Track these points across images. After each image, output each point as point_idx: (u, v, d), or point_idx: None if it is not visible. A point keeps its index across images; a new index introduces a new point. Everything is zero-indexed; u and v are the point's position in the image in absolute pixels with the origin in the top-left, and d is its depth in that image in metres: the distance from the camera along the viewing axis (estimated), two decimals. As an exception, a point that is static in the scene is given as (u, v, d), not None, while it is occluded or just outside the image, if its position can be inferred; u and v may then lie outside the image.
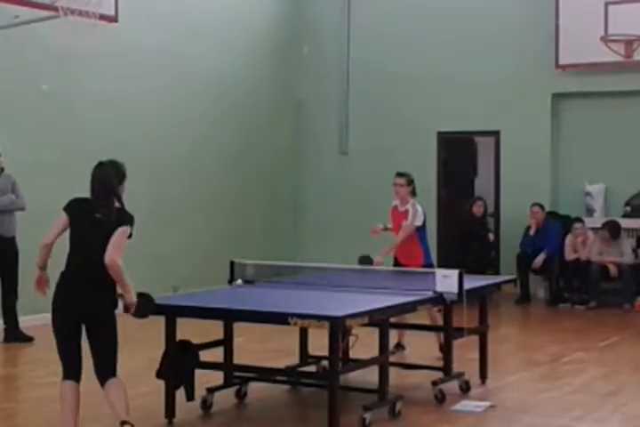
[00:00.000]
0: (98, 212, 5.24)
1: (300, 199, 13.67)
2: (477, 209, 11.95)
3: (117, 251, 5.10)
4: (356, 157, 13.30)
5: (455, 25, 12.67)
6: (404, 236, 7.99)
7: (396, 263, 8.05)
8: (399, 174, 8.24)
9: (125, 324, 5.42)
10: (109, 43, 10.35)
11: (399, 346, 8.13)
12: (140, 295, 5.29)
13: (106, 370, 5.18)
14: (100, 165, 5.33)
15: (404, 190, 8.10)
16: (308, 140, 13.66)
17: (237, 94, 12.56)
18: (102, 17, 8.86)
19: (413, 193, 8.19)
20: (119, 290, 5.20)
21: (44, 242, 5.48)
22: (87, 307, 5.17)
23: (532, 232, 11.79)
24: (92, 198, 5.32)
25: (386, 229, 8.33)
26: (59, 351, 5.25)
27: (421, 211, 8.09)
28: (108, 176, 5.27)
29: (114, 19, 9.32)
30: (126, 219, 5.21)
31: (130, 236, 5.21)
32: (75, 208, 5.39)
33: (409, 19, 12.99)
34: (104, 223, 5.19)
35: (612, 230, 11.28)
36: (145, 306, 5.30)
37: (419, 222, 8.05)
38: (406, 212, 8.08)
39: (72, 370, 5.23)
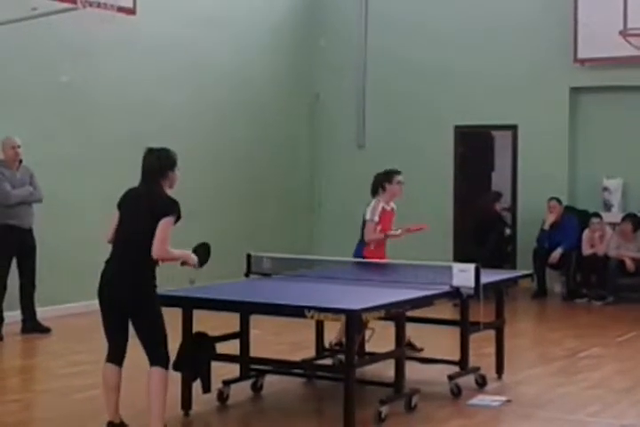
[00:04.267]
0: (142, 198, 5.29)
1: (316, 192, 13.67)
2: (494, 204, 11.93)
3: (163, 244, 5.13)
4: (372, 150, 13.27)
5: (474, 18, 12.62)
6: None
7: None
8: (400, 172, 7.96)
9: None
10: (127, 35, 10.37)
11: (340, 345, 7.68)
12: (195, 251, 5.46)
13: (149, 357, 5.23)
14: (149, 151, 5.37)
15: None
16: (325, 133, 13.65)
17: (254, 87, 12.55)
18: (120, 9, 8.86)
19: None
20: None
21: (107, 240, 5.47)
22: (123, 294, 5.21)
23: (546, 226, 11.74)
24: (139, 185, 5.38)
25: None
26: (104, 333, 5.36)
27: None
28: (153, 162, 5.31)
29: (132, 11, 9.33)
30: (169, 207, 5.21)
31: (177, 220, 5.22)
32: (123, 198, 5.45)
33: (427, 12, 12.94)
34: (145, 209, 5.22)
35: (633, 223, 11.23)
36: (203, 257, 5.48)
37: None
38: (392, 209, 7.91)
39: (113, 354, 5.32)
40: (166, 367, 5.24)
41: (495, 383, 6.91)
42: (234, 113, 12.25)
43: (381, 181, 7.90)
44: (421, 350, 7.58)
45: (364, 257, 7.69)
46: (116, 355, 5.32)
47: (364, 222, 7.76)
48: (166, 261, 5.27)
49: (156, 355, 5.22)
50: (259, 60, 12.63)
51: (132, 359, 5.43)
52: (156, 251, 5.12)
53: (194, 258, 5.42)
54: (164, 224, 5.15)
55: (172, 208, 5.22)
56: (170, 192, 5.38)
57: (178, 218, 5.23)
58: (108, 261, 5.35)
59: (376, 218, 7.70)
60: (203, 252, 5.53)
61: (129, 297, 5.21)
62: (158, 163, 5.31)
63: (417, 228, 8.04)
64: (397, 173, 7.94)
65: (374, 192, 7.91)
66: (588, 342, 8.66)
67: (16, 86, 9.58)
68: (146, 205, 5.25)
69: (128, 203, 5.38)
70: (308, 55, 13.52)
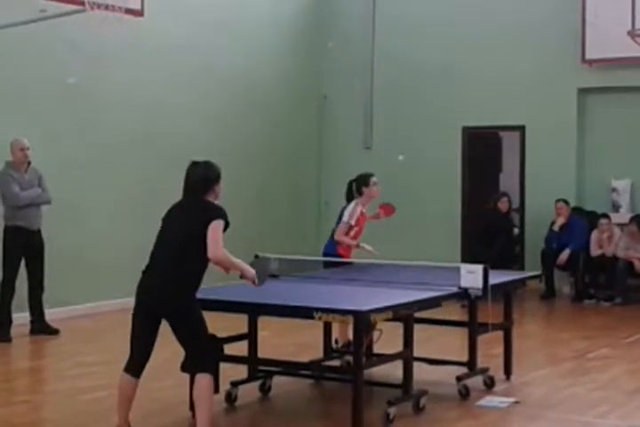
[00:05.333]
0: (187, 208, 5.31)
1: (323, 193, 13.66)
2: (502, 205, 11.88)
3: (216, 245, 5.12)
4: (379, 151, 13.26)
5: (482, 19, 12.61)
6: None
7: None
8: (372, 175, 8.06)
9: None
10: (135, 37, 10.38)
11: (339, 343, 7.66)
12: (253, 265, 5.41)
13: (190, 364, 5.24)
14: (193, 164, 5.40)
15: None
16: (332, 135, 13.65)
17: (261, 88, 12.56)
18: (128, 11, 8.87)
19: None
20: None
21: None
22: (166, 309, 5.19)
23: (555, 228, 11.73)
24: (182, 198, 5.41)
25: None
26: (130, 343, 5.33)
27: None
28: (197, 176, 5.33)
29: (140, 13, 9.32)
30: (217, 212, 5.22)
31: (226, 227, 5.22)
32: (169, 213, 5.47)
33: (434, 13, 12.93)
34: (192, 218, 5.23)
35: (642, 224, 11.23)
36: (261, 275, 5.40)
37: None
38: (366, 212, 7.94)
39: (134, 365, 5.29)
40: (212, 374, 5.24)
41: (503, 384, 6.90)
42: (242, 114, 12.26)
43: (359, 186, 8.00)
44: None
45: (338, 255, 7.74)
46: (136, 367, 5.30)
47: (339, 221, 7.85)
48: (223, 265, 5.24)
49: (202, 362, 5.22)
50: (266, 62, 12.64)
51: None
52: (212, 251, 5.09)
53: (252, 272, 5.35)
54: (215, 226, 5.14)
55: (220, 213, 5.22)
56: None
57: (227, 224, 5.22)
58: (145, 272, 5.32)
59: (353, 221, 7.80)
60: (261, 270, 5.44)
61: (171, 311, 5.18)
62: (203, 177, 5.34)
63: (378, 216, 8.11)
64: (371, 175, 8.06)
65: (350, 198, 8.00)
66: (596, 344, 8.63)
67: (24, 88, 9.60)
68: (192, 213, 5.26)
69: (173, 215, 5.39)
70: (316, 57, 13.52)
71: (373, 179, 8.01)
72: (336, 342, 7.50)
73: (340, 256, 7.77)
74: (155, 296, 5.20)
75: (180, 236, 5.22)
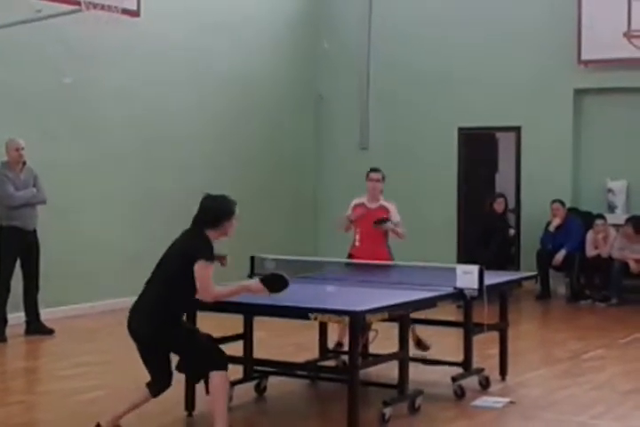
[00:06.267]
0: (178, 243, 5.29)
1: (319, 194, 13.67)
2: (498, 205, 11.88)
3: (206, 289, 5.11)
4: (376, 152, 13.26)
5: (477, 19, 12.61)
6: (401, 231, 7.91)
7: None
8: (375, 170, 8.06)
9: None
10: (132, 37, 10.38)
11: (340, 345, 7.62)
12: (264, 281, 5.33)
13: (205, 368, 5.22)
14: (206, 198, 5.37)
15: (380, 186, 7.98)
16: (329, 136, 13.65)
17: (258, 89, 12.56)
18: (125, 11, 8.88)
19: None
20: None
21: None
22: (146, 338, 5.21)
23: (551, 228, 11.74)
24: (185, 231, 5.38)
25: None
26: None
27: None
28: (208, 212, 5.30)
29: (136, 13, 9.34)
30: (198, 252, 5.13)
31: (212, 261, 5.17)
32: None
33: (430, 14, 12.93)
34: (174, 259, 5.23)
35: (636, 225, 11.22)
36: (274, 287, 5.32)
37: (399, 220, 7.91)
38: (382, 208, 7.93)
39: (153, 385, 5.31)
40: (224, 369, 5.23)
41: (499, 385, 6.90)
42: (238, 115, 12.25)
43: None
44: (429, 348, 7.59)
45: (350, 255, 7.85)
46: (154, 386, 5.32)
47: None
48: (224, 298, 5.26)
49: (209, 363, 5.23)
50: (262, 63, 12.63)
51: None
52: (204, 296, 5.13)
53: (257, 287, 5.29)
54: (200, 269, 5.10)
55: (203, 252, 5.14)
56: (223, 239, 5.35)
57: (210, 259, 5.17)
58: (134, 305, 5.31)
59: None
60: (275, 280, 5.37)
61: (158, 344, 5.21)
62: (212, 214, 5.29)
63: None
64: (371, 170, 8.13)
65: None
66: (591, 344, 8.64)
67: (20, 88, 9.59)
68: (180, 248, 5.25)
69: (171, 246, 5.36)
70: (312, 58, 13.52)
71: (370, 174, 8.05)
72: (339, 344, 7.55)
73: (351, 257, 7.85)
74: (141, 333, 5.21)
75: (165, 273, 5.23)
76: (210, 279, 5.13)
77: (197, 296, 5.16)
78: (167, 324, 5.20)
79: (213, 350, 5.33)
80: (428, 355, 7.36)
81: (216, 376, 5.19)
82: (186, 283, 5.16)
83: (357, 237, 7.97)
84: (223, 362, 5.28)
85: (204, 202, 5.37)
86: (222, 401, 5.20)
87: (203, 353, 5.26)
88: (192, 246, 5.20)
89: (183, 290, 5.20)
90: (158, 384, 5.31)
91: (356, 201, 8.05)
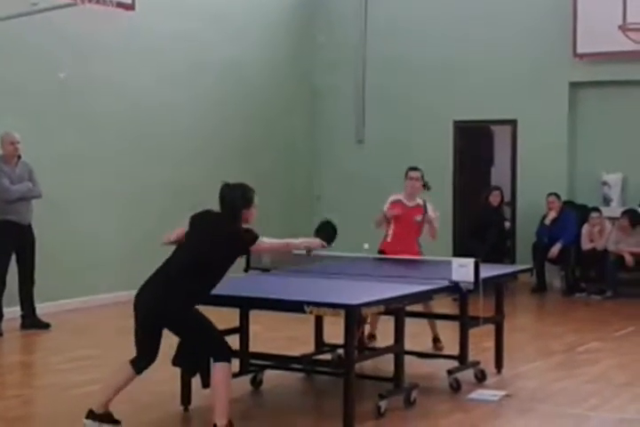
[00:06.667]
0: (214, 232, 5.31)
1: (315, 188, 13.67)
2: (494, 198, 11.88)
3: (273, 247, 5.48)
4: (371, 145, 13.27)
5: (472, 12, 12.60)
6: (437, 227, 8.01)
7: None
8: (414, 169, 8.07)
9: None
10: (126, 30, 10.36)
11: (371, 337, 7.86)
12: (319, 233, 5.66)
13: (211, 357, 5.22)
14: (225, 187, 5.41)
15: (419, 185, 7.99)
16: (324, 129, 13.65)
17: (253, 83, 12.54)
18: (119, 5, 8.87)
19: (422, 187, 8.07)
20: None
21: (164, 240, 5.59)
22: (162, 320, 5.20)
23: (546, 221, 11.75)
24: (219, 213, 5.42)
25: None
26: (135, 344, 5.34)
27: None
28: (227, 201, 5.37)
29: (131, 6, 9.32)
30: (247, 241, 5.32)
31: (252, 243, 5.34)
32: (197, 219, 5.45)
33: (425, 7, 12.92)
34: (213, 248, 5.25)
35: (632, 218, 11.24)
36: (328, 237, 5.60)
37: (435, 217, 7.99)
38: (418, 206, 7.97)
39: (138, 362, 5.30)
40: (228, 361, 5.23)
41: (494, 378, 6.92)
42: (233, 108, 12.24)
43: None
44: (442, 349, 7.66)
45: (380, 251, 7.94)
46: (141, 364, 5.31)
47: None
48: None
49: (214, 352, 5.22)
50: (258, 57, 12.62)
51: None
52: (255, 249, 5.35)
53: (313, 241, 5.59)
54: (261, 249, 5.46)
55: (251, 239, 5.34)
56: (245, 226, 5.42)
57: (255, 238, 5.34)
58: (150, 280, 5.29)
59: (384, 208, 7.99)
60: (328, 230, 5.66)
61: (160, 320, 5.20)
62: (231, 202, 5.36)
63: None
64: (410, 169, 8.13)
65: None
66: (587, 337, 8.66)
67: (15, 82, 9.56)
68: (222, 241, 5.27)
69: (201, 231, 5.36)
70: (308, 51, 13.51)
71: (410, 172, 8.07)
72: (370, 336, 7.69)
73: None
74: (153, 308, 5.19)
75: (199, 257, 5.23)
76: (269, 241, 5.45)
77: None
78: (185, 305, 5.19)
79: (222, 340, 5.33)
80: (424, 348, 7.37)
81: (222, 367, 5.19)
82: (217, 272, 5.25)
83: (390, 232, 8.00)
84: (229, 354, 5.28)
85: (222, 191, 5.40)
86: (224, 394, 5.19)
87: (212, 341, 5.26)
88: (234, 239, 5.28)
89: (212, 278, 5.26)
90: (144, 360, 5.30)
91: (393, 197, 8.03)
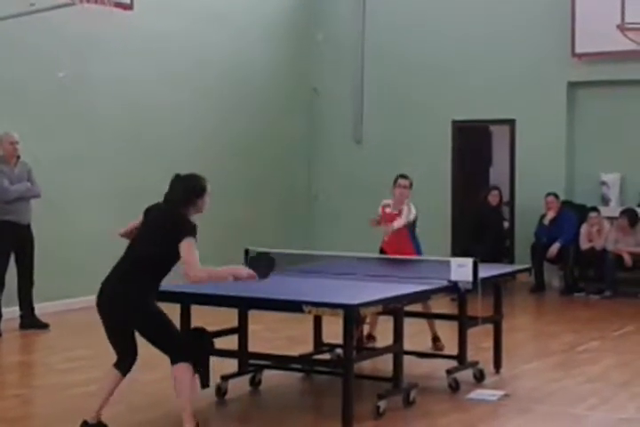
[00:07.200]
0: (157, 222, 5.29)
1: (314, 187, 13.67)
2: (493, 198, 11.88)
3: (191, 266, 5.04)
4: (370, 145, 13.28)
5: (471, 12, 12.61)
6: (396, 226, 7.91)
7: None
8: (404, 176, 8.05)
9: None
10: (125, 30, 10.36)
11: (370, 337, 7.88)
12: (252, 265, 5.35)
13: (169, 358, 5.20)
14: (176, 178, 5.38)
15: (407, 192, 7.98)
16: (323, 129, 13.65)
17: (252, 82, 12.54)
18: (118, 4, 8.88)
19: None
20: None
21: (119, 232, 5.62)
22: (118, 313, 5.19)
23: (545, 221, 11.76)
24: (162, 205, 5.39)
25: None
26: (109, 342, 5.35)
27: (414, 210, 7.96)
28: (178, 192, 5.31)
29: (129, 6, 9.34)
30: (186, 231, 5.13)
31: (196, 238, 5.17)
32: (149, 211, 5.45)
33: (425, 6, 12.92)
34: (156, 236, 5.22)
35: (631, 218, 11.24)
36: (264, 268, 5.35)
37: (405, 221, 7.89)
38: (400, 212, 7.95)
39: (119, 361, 5.29)
40: (186, 361, 5.18)
41: (493, 378, 6.92)
42: (232, 107, 12.24)
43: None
44: (442, 348, 7.68)
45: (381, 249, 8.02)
46: (122, 363, 5.30)
47: None
48: (205, 282, 5.15)
49: (171, 353, 5.20)
50: (256, 55, 12.62)
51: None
52: (189, 276, 5.03)
53: (244, 272, 5.27)
54: (187, 247, 5.06)
55: (190, 230, 5.14)
56: (197, 216, 5.32)
57: (195, 236, 5.17)
58: (108, 277, 5.30)
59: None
60: (263, 262, 5.42)
61: (122, 315, 5.19)
62: (183, 193, 5.30)
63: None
64: (400, 176, 8.10)
65: None
66: (585, 336, 8.66)
67: (14, 82, 9.56)
68: (163, 228, 5.22)
69: (147, 223, 5.36)
70: (306, 50, 13.51)
71: (399, 180, 8.06)
72: (370, 337, 7.70)
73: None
74: (113, 305, 5.19)
75: (145, 248, 5.22)
76: (196, 256, 5.08)
77: (186, 275, 5.06)
78: (141, 299, 5.17)
79: (181, 340, 5.29)
80: (423, 348, 7.38)
81: (179, 368, 5.15)
82: (164, 264, 5.18)
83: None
84: (189, 354, 5.24)
85: (174, 182, 5.37)
86: (187, 395, 5.15)
87: (172, 340, 5.23)
88: (174, 227, 5.17)
89: (160, 271, 5.21)
90: (125, 361, 5.28)
91: (385, 201, 8.09)
